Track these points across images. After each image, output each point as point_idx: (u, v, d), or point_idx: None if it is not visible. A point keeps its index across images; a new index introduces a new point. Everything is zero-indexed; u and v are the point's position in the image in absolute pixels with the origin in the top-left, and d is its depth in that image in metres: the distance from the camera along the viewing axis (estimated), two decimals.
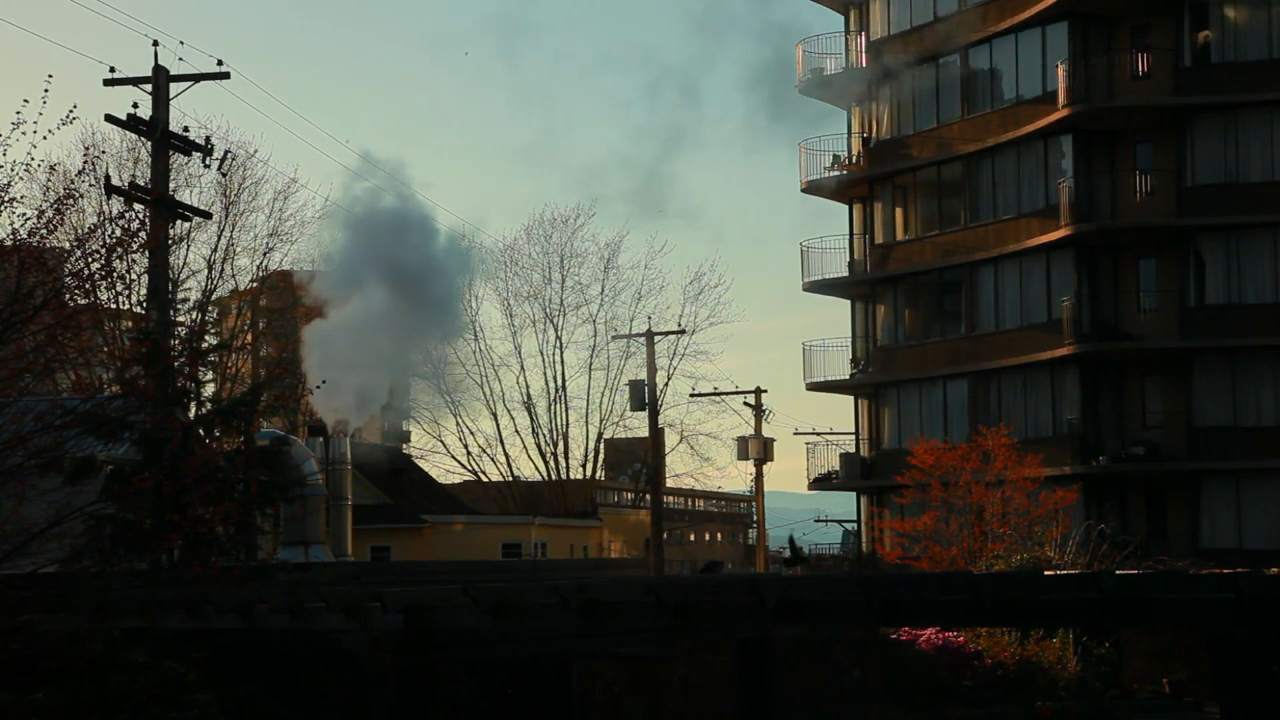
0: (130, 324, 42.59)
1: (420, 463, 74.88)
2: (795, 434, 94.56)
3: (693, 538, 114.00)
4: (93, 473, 24.28)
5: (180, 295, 37.09)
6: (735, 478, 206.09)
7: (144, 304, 36.99)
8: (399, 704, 19.87)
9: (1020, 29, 52.31)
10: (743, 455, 67.34)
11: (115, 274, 24.80)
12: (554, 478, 75.91)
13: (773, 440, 67.66)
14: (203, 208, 44.38)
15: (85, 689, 18.61)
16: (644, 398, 61.24)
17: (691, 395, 73.81)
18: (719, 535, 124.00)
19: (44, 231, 22.41)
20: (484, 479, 76.82)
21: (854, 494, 60.42)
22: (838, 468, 59.10)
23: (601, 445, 78.33)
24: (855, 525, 62.41)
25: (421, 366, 51.08)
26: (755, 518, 78.84)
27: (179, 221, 36.55)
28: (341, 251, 46.14)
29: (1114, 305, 50.84)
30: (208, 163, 35.33)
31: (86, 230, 24.44)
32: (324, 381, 38.71)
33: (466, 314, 76.12)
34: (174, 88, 33.49)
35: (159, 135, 33.11)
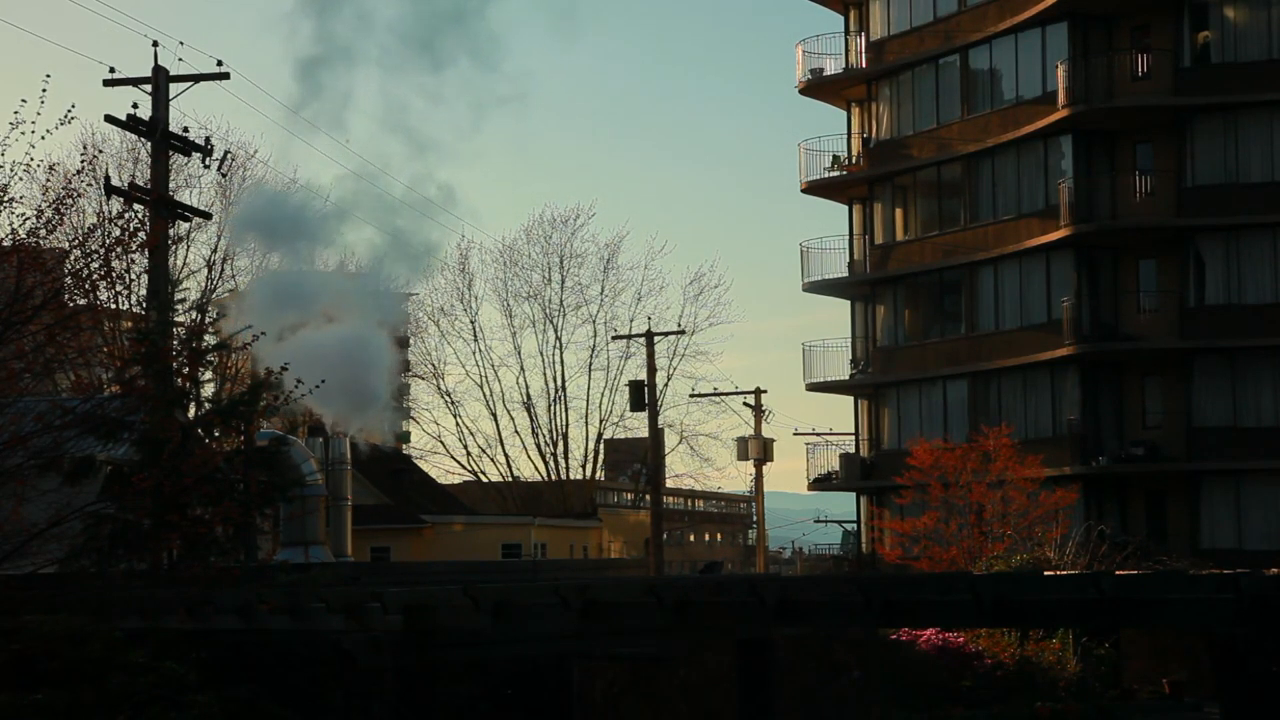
0: (130, 324, 42.57)
1: (420, 463, 74.95)
2: (795, 434, 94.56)
3: (692, 538, 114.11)
4: (92, 473, 24.26)
5: (179, 295, 36.94)
6: (735, 478, 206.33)
7: (143, 304, 36.96)
8: (399, 704, 19.85)
9: (1020, 29, 52.31)
10: (742, 455, 67.35)
11: (114, 274, 24.77)
12: (554, 478, 75.95)
13: (772, 440, 67.72)
14: (203, 208, 44.38)
15: (85, 689, 18.60)
16: (644, 398, 61.22)
17: (691, 395, 73.95)
18: (719, 535, 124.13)
19: (43, 231, 22.41)
20: (484, 479, 76.86)
21: (854, 494, 60.41)
22: (837, 468, 59.10)
23: (601, 445, 78.40)
24: (855, 526, 62.40)
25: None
26: (755, 518, 78.90)
27: (179, 221, 36.53)
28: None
29: (1114, 305, 50.82)
30: (207, 163, 35.34)
31: (86, 230, 24.44)
32: (323, 381, 38.61)
33: (467, 314, 76.49)
34: (174, 88, 33.50)
35: (159, 135, 33.11)
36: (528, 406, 76.03)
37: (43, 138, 23.12)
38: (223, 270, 58.08)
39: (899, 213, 57.52)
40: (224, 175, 50.28)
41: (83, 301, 24.11)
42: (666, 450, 70.39)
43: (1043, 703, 33.86)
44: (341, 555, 42.09)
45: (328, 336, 41.83)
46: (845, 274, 58.83)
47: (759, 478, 68.88)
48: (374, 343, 44.12)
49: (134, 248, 25.47)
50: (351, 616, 19.63)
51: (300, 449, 39.55)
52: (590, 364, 76.13)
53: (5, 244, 22.13)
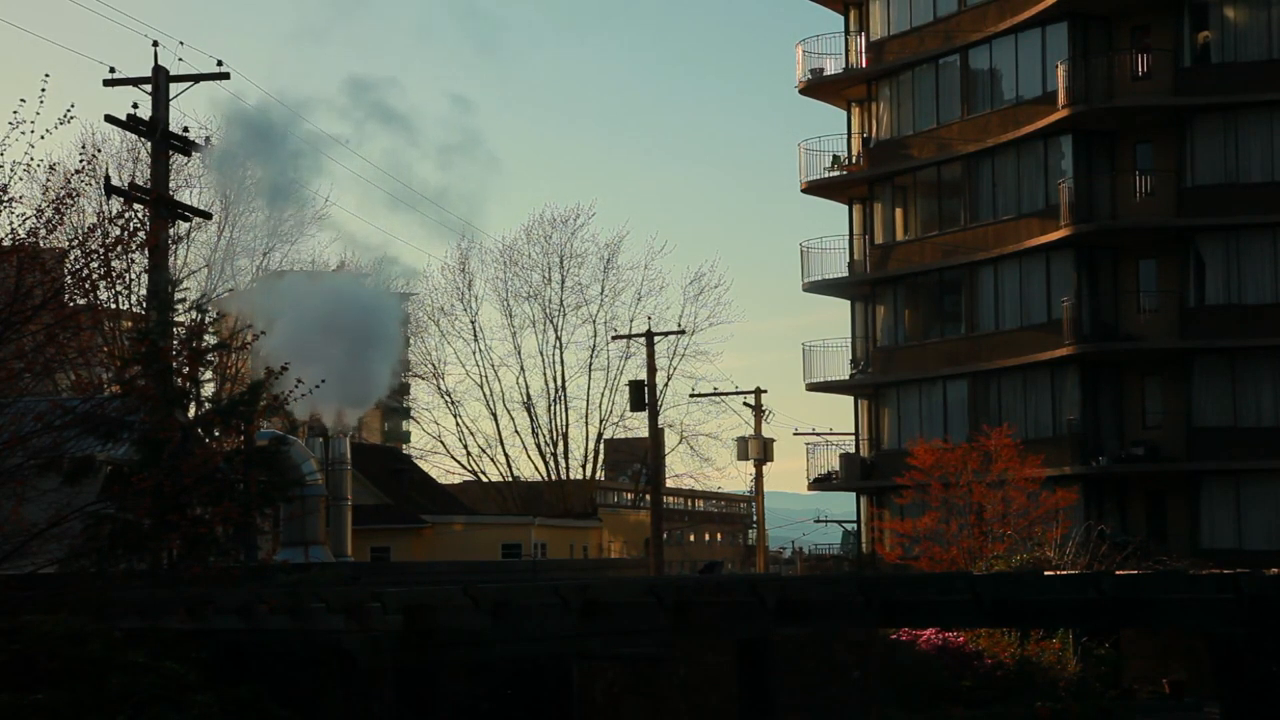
0: (130, 324, 42.54)
1: (420, 463, 74.95)
2: (795, 434, 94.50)
3: (692, 538, 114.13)
4: (92, 473, 24.26)
5: (179, 295, 36.82)
6: (735, 478, 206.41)
7: (143, 304, 36.95)
8: (399, 704, 19.86)
9: (1020, 29, 52.31)
10: (742, 455, 67.32)
11: (114, 274, 24.75)
12: (554, 478, 75.97)
13: (773, 440, 67.67)
14: (202, 208, 44.37)
15: (85, 689, 18.58)
16: (644, 398, 61.21)
17: (691, 395, 73.92)
18: (719, 535, 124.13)
19: (43, 231, 22.40)
20: (484, 479, 76.85)
21: (854, 494, 60.42)
22: (838, 468, 59.10)
23: (601, 445, 78.39)
24: (855, 526, 62.40)
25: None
26: (755, 518, 78.91)
27: (179, 221, 36.54)
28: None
29: (1114, 305, 50.82)
30: (207, 163, 35.37)
31: (86, 230, 24.43)
32: (323, 381, 38.56)
33: (467, 314, 76.52)
34: (174, 88, 33.53)
35: (159, 135, 33.14)
36: (528, 406, 76.07)
37: (42, 137, 23.05)
38: (223, 270, 58.09)
39: (899, 213, 57.53)
40: (201, 155, 49.86)
41: (83, 301, 24.08)
42: (666, 450, 70.39)
43: (1043, 703, 33.85)
44: (341, 555, 42.04)
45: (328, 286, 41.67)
46: (845, 274, 58.84)
47: (759, 478, 68.87)
48: (377, 303, 43.96)
49: (134, 247, 25.43)
50: (351, 616, 19.63)
51: (300, 449, 39.50)
52: (590, 364, 76.20)
53: (5, 244, 22.11)
